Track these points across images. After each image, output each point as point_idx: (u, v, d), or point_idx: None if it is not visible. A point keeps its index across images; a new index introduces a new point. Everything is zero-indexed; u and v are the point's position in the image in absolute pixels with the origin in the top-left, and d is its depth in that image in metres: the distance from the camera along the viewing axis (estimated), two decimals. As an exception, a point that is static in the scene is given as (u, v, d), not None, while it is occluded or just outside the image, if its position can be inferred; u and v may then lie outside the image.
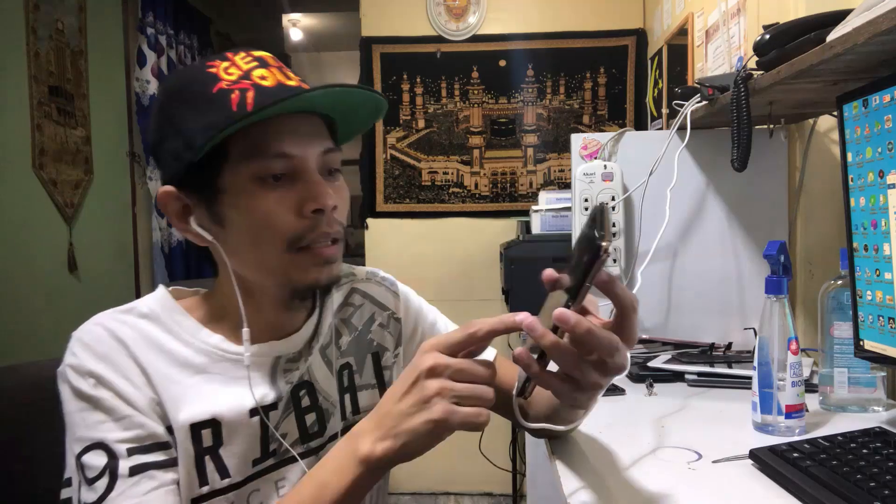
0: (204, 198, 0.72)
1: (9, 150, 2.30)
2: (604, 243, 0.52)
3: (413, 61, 2.99)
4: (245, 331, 0.74)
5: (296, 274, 0.72)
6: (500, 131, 3.01)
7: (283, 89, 0.71)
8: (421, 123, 3.02)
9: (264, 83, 0.70)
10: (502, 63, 2.97)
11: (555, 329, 0.56)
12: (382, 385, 0.88)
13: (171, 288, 0.80)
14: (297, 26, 5.67)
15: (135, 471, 0.65)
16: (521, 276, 2.11)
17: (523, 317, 0.58)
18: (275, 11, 5.15)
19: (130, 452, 0.66)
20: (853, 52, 0.83)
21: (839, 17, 0.89)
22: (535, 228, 2.27)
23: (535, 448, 1.80)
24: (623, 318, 0.59)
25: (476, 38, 2.96)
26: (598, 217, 0.54)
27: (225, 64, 0.72)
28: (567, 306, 0.55)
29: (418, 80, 3.00)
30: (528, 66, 2.97)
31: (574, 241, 0.59)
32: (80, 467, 0.66)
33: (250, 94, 0.69)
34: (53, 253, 2.54)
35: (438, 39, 2.97)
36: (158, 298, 0.76)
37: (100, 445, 0.66)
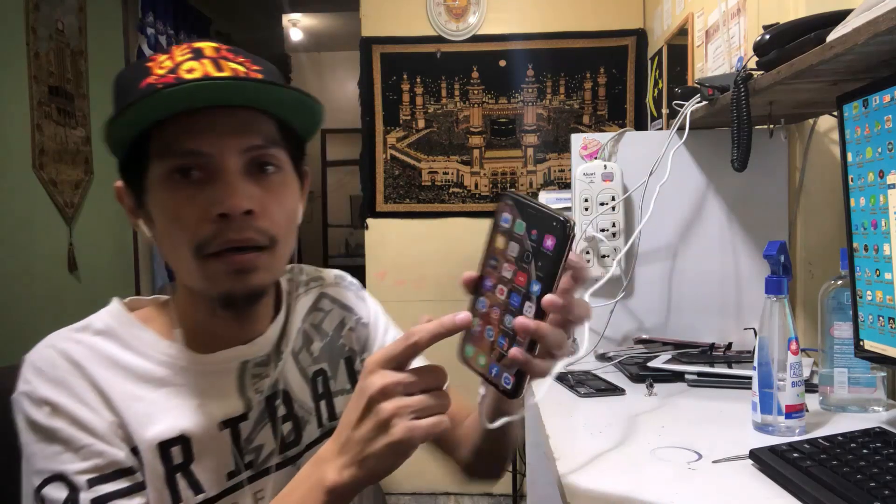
0: (138, 195, 0.71)
1: (9, 150, 2.30)
2: (570, 223, 0.53)
3: (413, 61, 2.99)
4: (177, 331, 0.72)
5: (207, 282, 0.68)
6: (500, 131, 3.01)
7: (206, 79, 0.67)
8: (421, 123, 3.02)
9: (188, 76, 0.66)
10: (502, 63, 2.97)
11: (540, 315, 0.55)
12: None
13: (127, 299, 0.77)
14: (297, 26, 5.68)
15: (97, 502, 0.64)
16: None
17: (463, 316, 0.57)
18: (275, 11, 5.15)
19: (91, 483, 0.64)
20: (853, 52, 0.83)
21: (839, 17, 0.89)
22: (535, 228, 2.27)
23: (535, 448, 1.80)
24: (578, 282, 0.58)
25: (476, 38, 2.96)
26: (524, 201, 0.55)
27: (163, 58, 0.69)
28: (540, 295, 0.54)
29: (418, 80, 3.00)
30: (528, 67, 2.97)
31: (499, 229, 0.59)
32: (41, 501, 0.64)
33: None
34: (53, 253, 2.54)
35: (438, 39, 2.97)
36: (113, 312, 0.74)
37: (59, 478, 0.64)
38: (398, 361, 0.57)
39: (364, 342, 0.89)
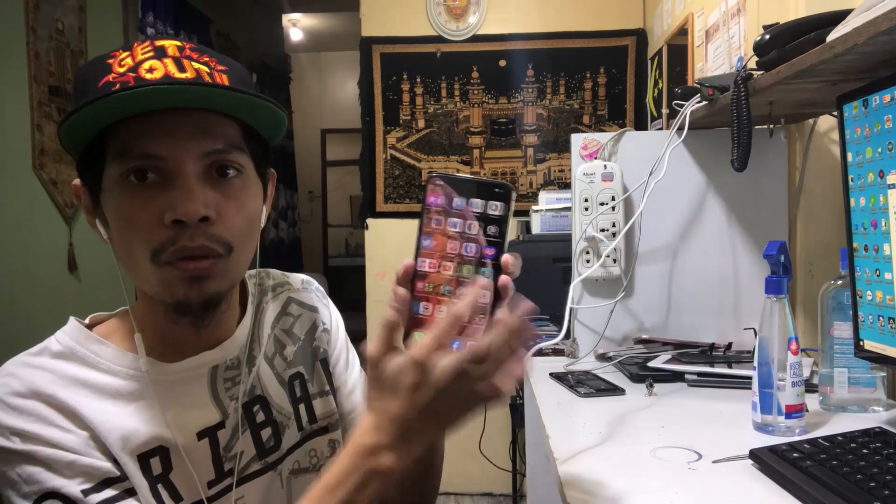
0: (95, 194, 0.69)
1: (9, 150, 2.30)
2: (511, 186, 0.59)
3: (413, 61, 2.99)
4: (137, 336, 0.71)
5: (162, 289, 0.67)
6: (500, 131, 3.01)
7: (165, 81, 0.64)
8: (421, 123, 3.02)
9: (149, 76, 0.64)
10: (502, 63, 2.97)
11: (497, 273, 0.59)
12: (335, 391, 0.86)
13: (91, 315, 0.76)
14: (297, 26, 5.68)
15: None
16: (521, 277, 2.10)
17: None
18: (275, 11, 5.16)
19: (86, 493, 0.63)
20: (853, 52, 0.83)
21: (839, 17, 0.89)
22: (535, 228, 2.27)
23: (535, 448, 1.80)
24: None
25: (476, 38, 2.96)
26: (456, 178, 0.59)
27: (124, 55, 0.67)
28: (496, 257, 0.59)
29: (418, 80, 3.00)
30: (528, 66, 2.97)
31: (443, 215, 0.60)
32: None
33: (128, 87, 0.63)
34: (53, 253, 2.54)
35: (438, 39, 2.97)
36: (70, 332, 0.72)
37: (53, 495, 0.63)
38: (445, 340, 0.56)
39: (326, 346, 0.88)
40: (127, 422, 0.68)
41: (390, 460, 0.57)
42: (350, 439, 0.60)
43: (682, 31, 2.10)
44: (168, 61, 0.66)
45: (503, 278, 0.58)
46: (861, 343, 0.92)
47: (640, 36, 2.88)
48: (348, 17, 3.85)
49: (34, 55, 2.41)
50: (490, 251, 0.59)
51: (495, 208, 0.59)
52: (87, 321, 0.76)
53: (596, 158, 1.47)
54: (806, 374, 0.94)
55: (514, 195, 0.59)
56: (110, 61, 0.66)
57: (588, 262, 1.44)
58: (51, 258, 2.52)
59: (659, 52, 2.49)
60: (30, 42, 2.39)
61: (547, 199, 2.29)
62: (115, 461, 0.67)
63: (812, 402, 1.01)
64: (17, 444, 0.64)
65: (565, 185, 2.91)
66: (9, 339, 2.17)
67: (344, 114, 6.06)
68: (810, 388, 1.03)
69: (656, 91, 2.55)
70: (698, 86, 1.27)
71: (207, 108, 0.66)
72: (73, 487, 0.63)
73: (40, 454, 0.64)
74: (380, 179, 3.03)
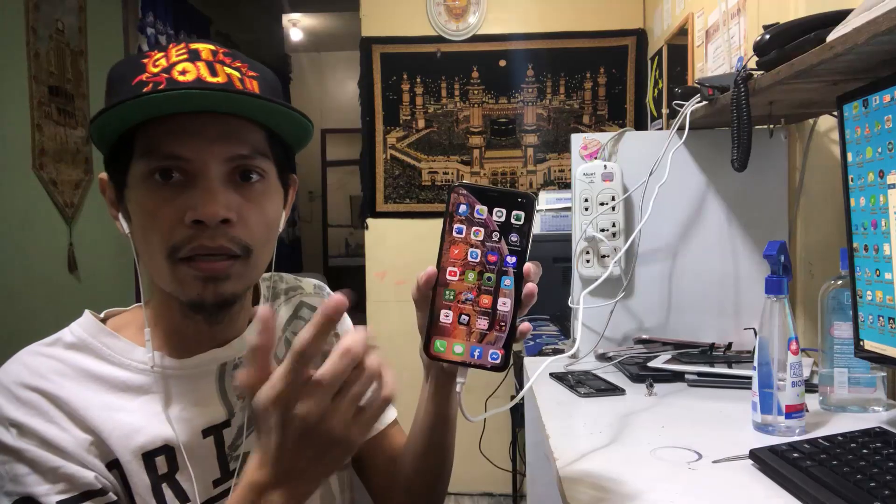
0: (119, 189, 0.70)
1: (9, 150, 2.30)
2: (533, 196, 0.60)
3: (413, 61, 2.99)
4: (147, 331, 0.71)
5: (177, 286, 0.68)
6: (500, 131, 3.01)
7: (197, 85, 0.66)
8: (421, 123, 3.02)
9: (181, 78, 0.66)
10: (502, 63, 2.97)
11: (518, 281, 0.61)
12: None
13: (106, 310, 0.77)
14: (297, 26, 5.69)
15: None
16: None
17: (342, 296, 0.55)
18: (275, 11, 5.16)
19: None
20: (853, 52, 0.83)
21: (839, 17, 0.89)
22: (535, 228, 2.27)
23: (535, 448, 1.80)
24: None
25: (476, 38, 2.96)
26: (480, 187, 0.60)
27: (158, 55, 0.68)
28: (517, 266, 0.60)
29: (418, 80, 3.00)
30: (528, 66, 2.97)
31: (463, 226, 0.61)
32: None
33: (159, 89, 0.65)
34: (53, 253, 2.54)
35: (438, 39, 2.97)
36: (84, 324, 0.73)
37: (29, 500, 0.63)
38: (296, 376, 0.54)
39: None
40: (132, 418, 0.68)
41: (279, 498, 0.56)
42: (243, 474, 0.59)
43: (682, 31, 2.10)
44: (201, 64, 0.67)
45: (529, 286, 0.59)
46: (861, 343, 0.92)
47: (640, 36, 2.88)
48: (348, 17, 3.85)
49: (34, 55, 2.41)
50: (512, 259, 0.60)
51: (518, 218, 0.60)
52: (101, 315, 0.76)
53: (596, 158, 1.47)
54: (806, 374, 0.94)
55: (536, 205, 0.60)
56: (145, 61, 0.68)
57: (588, 262, 1.44)
58: (51, 258, 2.52)
59: (659, 52, 2.49)
60: (30, 42, 2.39)
61: (547, 199, 2.29)
62: (113, 462, 0.67)
63: (812, 402, 1.01)
64: (13, 437, 0.64)
65: (565, 185, 2.91)
66: (9, 339, 2.17)
67: (344, 114, 6.06)
68: (810, 388, 1.03)
69: (656, 91, 2.55)
70: (698, 86, 1.27)
71: (235, 113, 0.68)
72: (52, 498, 0.63)
73: (29, 455, 0.64)
74: (380, 179, 3.04)
